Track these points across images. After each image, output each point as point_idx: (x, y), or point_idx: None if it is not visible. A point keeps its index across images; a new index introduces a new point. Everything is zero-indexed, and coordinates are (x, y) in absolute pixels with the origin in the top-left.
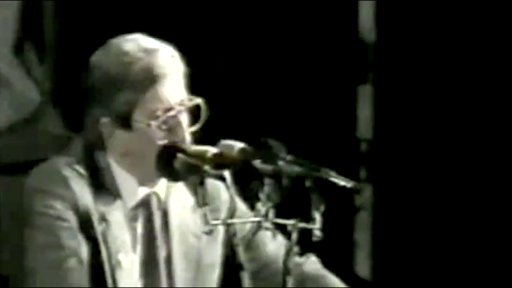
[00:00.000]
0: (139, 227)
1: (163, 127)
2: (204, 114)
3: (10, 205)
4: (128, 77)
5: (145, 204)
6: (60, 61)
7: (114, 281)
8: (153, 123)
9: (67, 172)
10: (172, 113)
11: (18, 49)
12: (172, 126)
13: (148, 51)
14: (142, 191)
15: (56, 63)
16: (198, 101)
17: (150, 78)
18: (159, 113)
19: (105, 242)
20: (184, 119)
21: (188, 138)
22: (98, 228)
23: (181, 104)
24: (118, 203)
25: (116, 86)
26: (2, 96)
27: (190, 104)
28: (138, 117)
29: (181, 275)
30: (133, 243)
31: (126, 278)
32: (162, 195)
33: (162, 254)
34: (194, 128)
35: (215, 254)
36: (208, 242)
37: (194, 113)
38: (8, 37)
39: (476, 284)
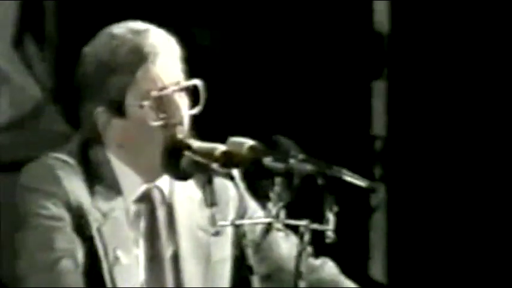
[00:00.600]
0: (142, 222)
1: (157, 108)
2: (203, 96)
3: (10, 205)
4: (117, 59)
5: (147, 198)
6: (61, 57)
7: (112, 278)
8: (146, 103)
9: (59, 169)
10: (165, 92)
11: (18, 45)
12: (168, 108)
13: (138, 32)
14: (144, 185)
15: (57, 60)
16: (196, 81)
17: (139, 57)
18: (152, 93)
19: (102, 238)
20: (183, 102)
21: (186, 120)
22: (93, 225)
23: (176, 84)
24: (118, 198)
25: (106, 71)
26: (2, 92)
27: (186, 84)
28: (131, 101)
29: (190, 271)
30: (137, 239)
31: (126, 274)
32: (166, 190)
33: (168, 250)
34: (194, 111)
35: (225, 249)
36: (218, 237)
37: (195, 97)
38: (8, 33)
39: (492, 284)
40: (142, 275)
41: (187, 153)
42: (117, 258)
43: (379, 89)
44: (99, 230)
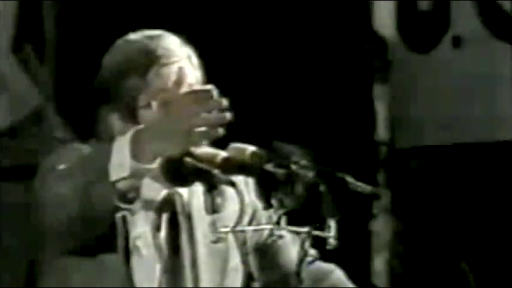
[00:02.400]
0: (163, 229)
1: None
2: None
3: (10, 211)
4: (129, 63)
5: (168, 204)
6: (61, 62)
7: (128, 263)
8: (154, 102)
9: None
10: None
11: (17, 49)
12: None
13: (152, 37)
14: (164, 191)
15: (57, 64)
16: (209, 87)
17: (150, 59)
18: (161, 93)
19: (125, 225)
20: None
21: None
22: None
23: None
24: (137, 204)
25: (120, 75)
26: (1, 97)
27: (199, 88)
28: (142, 104)
29: (208, 279)
30: (157, 246)
31: (143, 265)
32: (185, 196)
33: (187, 257)
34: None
35: (238, 257)
36: (233, 244)
37: None
38: (7, 37)
39: None
40: (158, 272)
41: (187, 159)
42: (136, 248)
43: (383, 93)
44: (124, 218)
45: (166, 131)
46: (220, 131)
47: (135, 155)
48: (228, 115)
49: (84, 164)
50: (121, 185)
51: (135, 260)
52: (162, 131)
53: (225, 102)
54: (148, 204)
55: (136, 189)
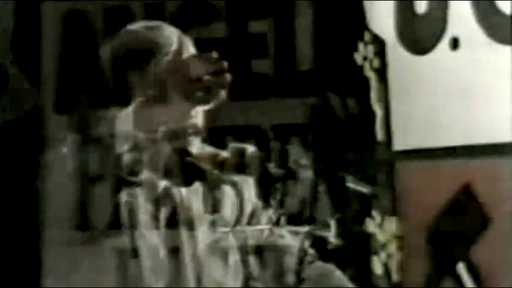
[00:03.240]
0: (162, 222)
1: None
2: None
3: (7, 211)
4: (129, 54)
5: (167, 197)
6: (61, 61)
7: (134, 251)
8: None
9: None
10: None
11: (18, 49)
12: None
13: (150, 27)
14: (162, 183)
15: (57, 64)
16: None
17: (150, 49)
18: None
19: (131, 209)
20: None
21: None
22: (123, 196)
23: None
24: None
25: (120, 67)
26: (1, 97)
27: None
28: (143, 93)
29: (208, 275)
30: (160, 236)
31: (149, 250)
32: (184, 193)
33: (187, 251)
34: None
35: (238, 256)
36: (233, 243)
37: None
38: (6, 37)
39: None
40: (164, 258)
41: (187, 159)
42: (142, 234)
43: (382, 95)
44: (129, 203)
45: (168, 97)
46: (223, 93)
47: (138, 125)
48: (229, 77)
49: (82, 149)
50: (126, 158)
51: (141, 242)
52: (164, 97)
53: (225, 64)
54: (148, 194)
55: (141, 162)
